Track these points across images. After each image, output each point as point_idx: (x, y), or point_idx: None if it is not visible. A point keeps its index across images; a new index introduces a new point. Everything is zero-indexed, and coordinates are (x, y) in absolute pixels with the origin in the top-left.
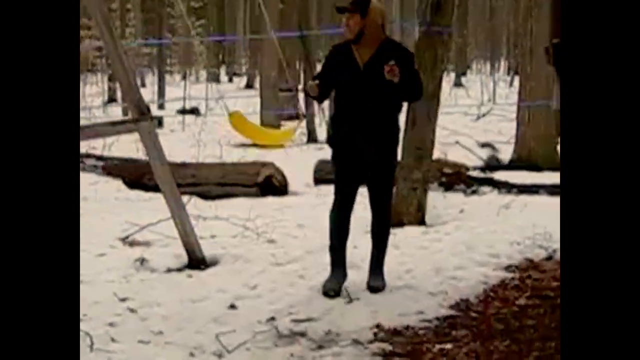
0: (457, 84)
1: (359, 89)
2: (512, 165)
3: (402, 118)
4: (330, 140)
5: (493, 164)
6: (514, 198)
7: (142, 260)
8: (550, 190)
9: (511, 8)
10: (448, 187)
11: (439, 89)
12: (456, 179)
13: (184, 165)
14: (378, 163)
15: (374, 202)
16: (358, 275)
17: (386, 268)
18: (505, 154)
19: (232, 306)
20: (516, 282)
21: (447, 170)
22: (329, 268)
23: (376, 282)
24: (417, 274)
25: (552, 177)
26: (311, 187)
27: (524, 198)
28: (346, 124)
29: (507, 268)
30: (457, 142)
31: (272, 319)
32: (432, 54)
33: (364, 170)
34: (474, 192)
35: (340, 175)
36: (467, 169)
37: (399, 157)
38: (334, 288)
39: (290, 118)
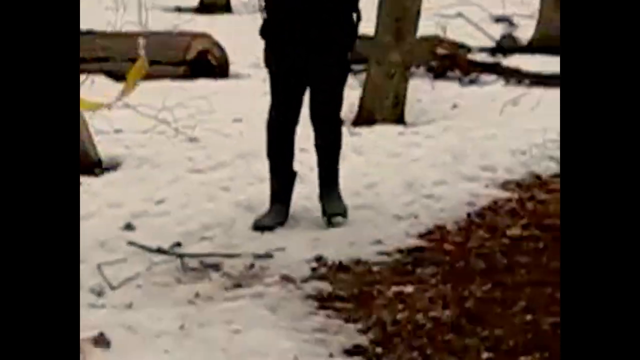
0: None
1: None
2: (533, 48)
3: None
4: (263, 28)
5: (507, 45)
6: (525, 92)
7: None
8: None
9: None
10: (439, 74)
11: None
12: (451, 63)
13: (90, 33)
14: (328, 51)
15: (317, 105)
16: (302, 188)
17: (342, 181)
18: (527, 31)
19: (128, 226)
20: (513, 205)
21: (440, 51)
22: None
23: (335, 208)
24: (382, 190)
25: None
26: (260, 68)
27: (539, 92)
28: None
29: (504, 185)
30: (459, 15)
31: (178, 244)
32: None
33: (310, 63)
34: (473, 82)
35: (279, 75)
36: (469, 50)
37: (373, 33)
38: (268, 225)
39: None
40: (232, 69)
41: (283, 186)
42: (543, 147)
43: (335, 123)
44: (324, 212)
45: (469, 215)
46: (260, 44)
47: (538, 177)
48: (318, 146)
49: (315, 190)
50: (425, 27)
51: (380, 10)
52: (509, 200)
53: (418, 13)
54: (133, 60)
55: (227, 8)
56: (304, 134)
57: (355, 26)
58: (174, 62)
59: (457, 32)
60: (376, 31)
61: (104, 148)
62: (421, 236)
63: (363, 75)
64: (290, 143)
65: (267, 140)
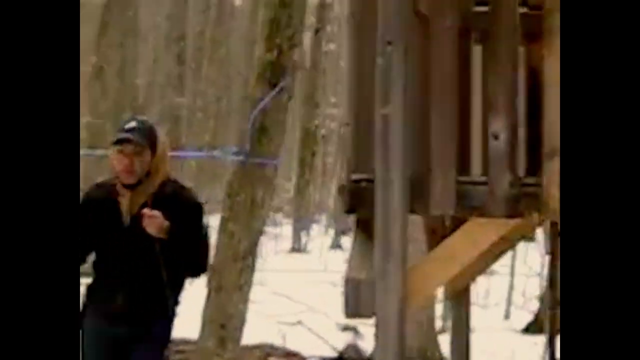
0: (336, 245)
1: (122, 254)
2: None
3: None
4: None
5: (350, 356)
6: None
7: None
8: None
9: None
10: None
11: (256, 244)
12: None
13: None
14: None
15: None
16: None
17: None
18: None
19: None
20: None
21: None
22: None
23: None
24: None
25: None
26: None
27: None
28: (104, 303)
29: None
30: (299, 322)
31: None
32: (249, 196)
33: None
34: None
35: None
36: (304, 359)
37: (196, 336)
38: None
39: None
40: None
41: None
42: None
43: None
44: None
45: None
46: None
47: None
48: None
49: None
50: (268, 334)
51: (203, 314)
52: None
53: (243, 318)
54: None
55: None
56: None
57: (171, 321)
58: None
59: (299, 340)
60: (200, 335)
61: None
62: None
63: None
64: None
65: None
